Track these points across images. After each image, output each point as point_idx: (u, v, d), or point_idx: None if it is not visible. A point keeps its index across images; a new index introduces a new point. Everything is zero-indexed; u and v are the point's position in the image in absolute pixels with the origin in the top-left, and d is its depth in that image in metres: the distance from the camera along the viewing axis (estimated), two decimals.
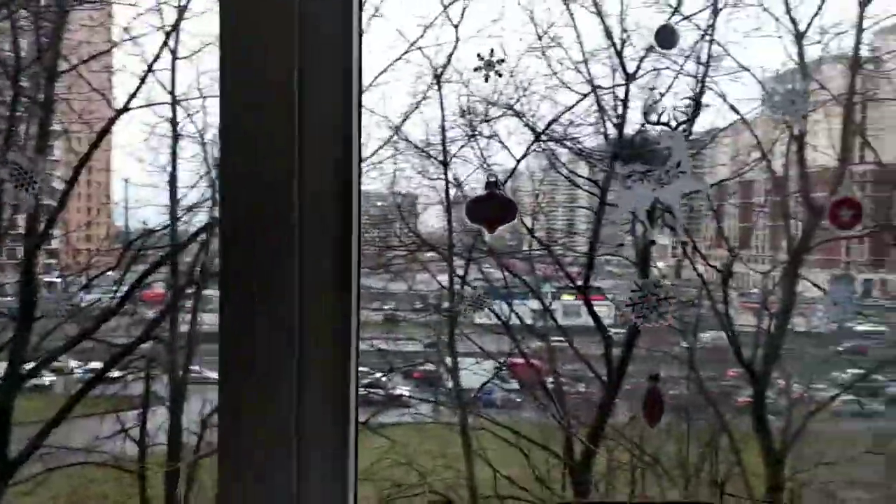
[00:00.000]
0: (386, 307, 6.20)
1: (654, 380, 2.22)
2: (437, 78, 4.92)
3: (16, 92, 4.66)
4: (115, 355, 4.62)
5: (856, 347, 5.38)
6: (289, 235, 0.88)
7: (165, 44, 4.91)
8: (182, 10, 4.90)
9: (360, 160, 0.94)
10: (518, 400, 5.82)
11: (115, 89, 5.20)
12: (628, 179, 2.15)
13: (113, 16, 5.58)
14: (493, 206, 2.06)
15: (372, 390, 5.54)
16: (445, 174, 5.11)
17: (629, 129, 5.08)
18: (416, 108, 5.03)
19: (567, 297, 5.80)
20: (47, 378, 4.80)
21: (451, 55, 4.90)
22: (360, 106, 0.91)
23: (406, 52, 4.85)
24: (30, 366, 4.43)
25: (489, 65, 2.63)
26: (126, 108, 4.92)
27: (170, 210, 4.97)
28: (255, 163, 0.88)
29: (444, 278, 5.36)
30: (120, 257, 4.89)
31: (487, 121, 5.01)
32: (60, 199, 4.69)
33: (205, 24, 5.37)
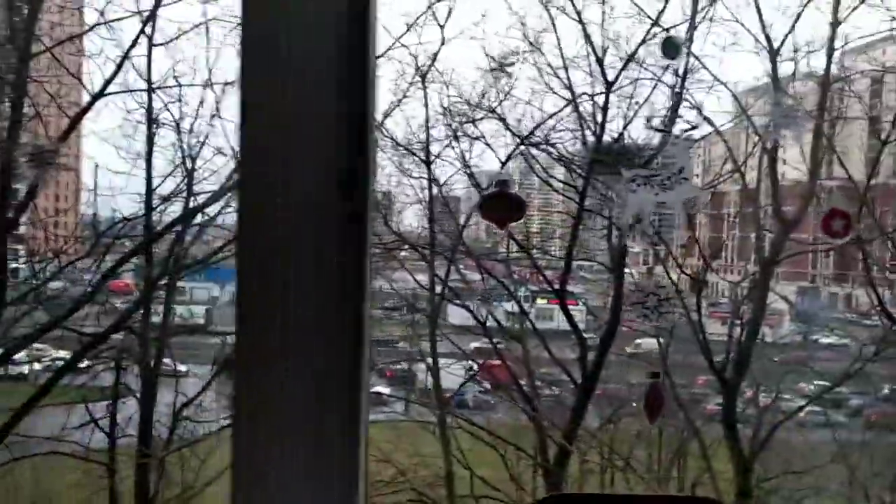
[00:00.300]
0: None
1: (654, 377, 2.27)
2: (423, 77, 4.92)
3: None
4: (87, 345, 4.50)
5: (801, 358, 5.53)
6: (304, 228, 0.88)
7: (143, 31, 4.77)
8: (157, 3, 4.77)
9: (375, 149, 0.95)
10: (491, 401, 5.86)
11: (89, 74, 5.06)
12: (632, 183, 2.20)
13: None
14: (506, 203, 2.09)
15: None
16: (429, 173, 5.11)
17: (606, 137, 5.15)
18: (398, 105, 5.01)
19: (540, 301, 5.85)
20: (24, 367, 4.66)
21: (435, 55, 4.90)
22: (374, 87, 0.91)
23: (389, 49, 4.82)
24: None
25: (502, 65, 2.64)
26: (102, 94, 4.79)
27: (145, 199, 4.84)
28: (275, 155, 0.87)
29: (421, 277, 5.36)
30: (93, 245, 4.78)
31: (472, 121, 5.02)
32: (33, 186, 4.55)
33: (182, 11, 5.26)
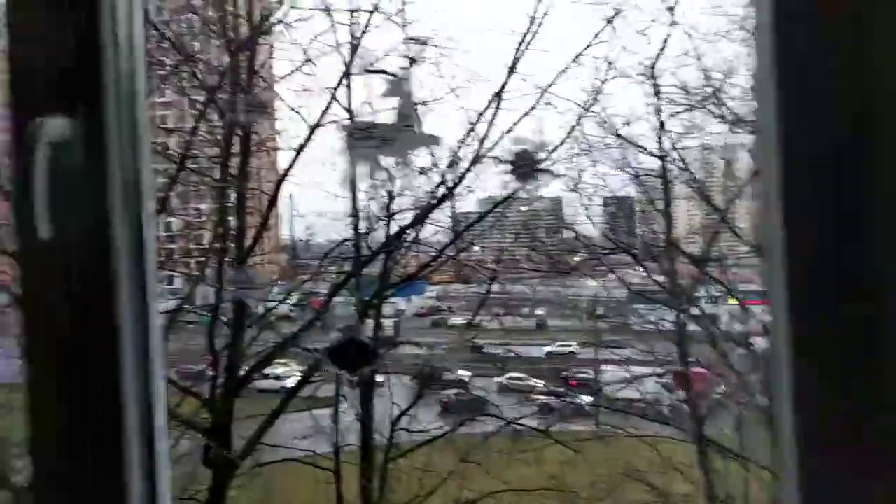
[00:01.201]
0: (539, 312, 6.22)
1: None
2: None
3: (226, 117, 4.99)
4: (317, 360, 4.88)
5: None
6: None
7: (347, 72, 5.01)
8: (363, 32, 5.03)
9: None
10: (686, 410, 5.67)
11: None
12: None
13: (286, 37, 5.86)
14: None
15: (551, 399, 5.55)
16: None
17: None
18: (595, 100, 4.93)
19: (732, 301, 5.58)
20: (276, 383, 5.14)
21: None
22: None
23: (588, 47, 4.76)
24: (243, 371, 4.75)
25: None
26: (318, 125, 5.10)
27: (353, 222, 5.11)
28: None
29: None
30: (317, 269, 5.17)
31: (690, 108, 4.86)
32: (265, 214, 4.99)
33: (371, 40, 5.50)
